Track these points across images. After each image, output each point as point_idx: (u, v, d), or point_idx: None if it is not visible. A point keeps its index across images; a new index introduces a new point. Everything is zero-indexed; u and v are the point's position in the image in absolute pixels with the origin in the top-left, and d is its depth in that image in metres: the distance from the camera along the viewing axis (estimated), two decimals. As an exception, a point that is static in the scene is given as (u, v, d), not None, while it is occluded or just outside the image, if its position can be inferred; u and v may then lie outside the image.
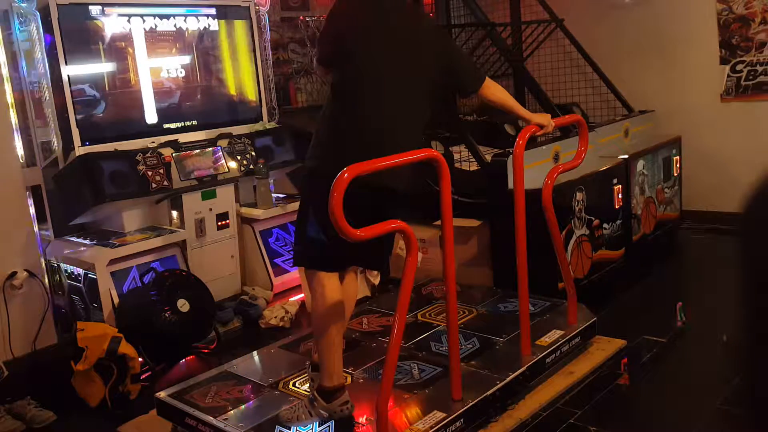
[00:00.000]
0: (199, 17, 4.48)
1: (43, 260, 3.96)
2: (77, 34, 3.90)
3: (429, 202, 3.03)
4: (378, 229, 2.56)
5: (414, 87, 2.70)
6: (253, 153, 4.50)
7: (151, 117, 4.24)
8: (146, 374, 3.50)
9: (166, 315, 3.58)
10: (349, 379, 2.96)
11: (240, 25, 4.77)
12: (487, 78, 2.96)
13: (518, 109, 3.06)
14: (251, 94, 4.85)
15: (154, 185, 3.97)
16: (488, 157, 4.06)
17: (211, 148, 4.34)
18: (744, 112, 5.13)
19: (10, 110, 3.82)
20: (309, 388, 2.83)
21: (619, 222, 4.29)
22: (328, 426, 2.60)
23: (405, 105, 2.67)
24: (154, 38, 4.25)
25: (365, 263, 3.17)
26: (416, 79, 2.70)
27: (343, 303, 2.70)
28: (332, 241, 2.43)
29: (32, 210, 3.91)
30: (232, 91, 4.79)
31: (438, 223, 2.71)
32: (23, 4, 3.81)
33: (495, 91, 2.97)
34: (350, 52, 2.64)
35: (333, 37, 2.71)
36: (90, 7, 3.95)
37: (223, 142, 4.43)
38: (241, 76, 4.81)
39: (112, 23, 4.03)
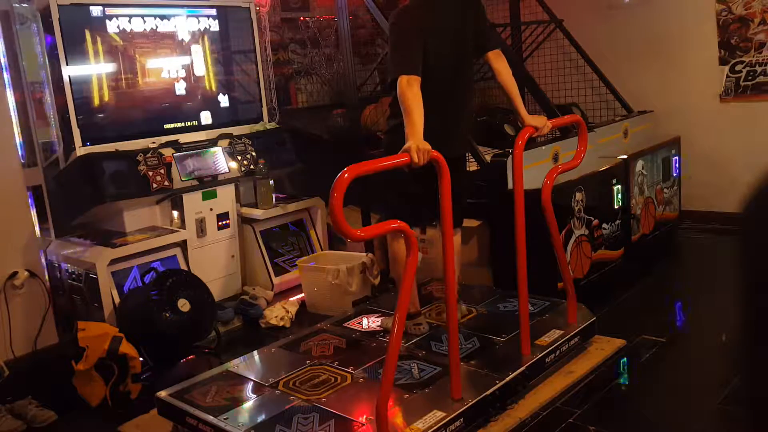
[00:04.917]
0: (199, 18, 4.49)
1: (43, 260, 3.97)
2: (78, 35, 3.90)
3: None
4: (378, 229, 2.59)
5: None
6: (254, 153, 4.51)
7: (151, 117, 4.25)
8: (147, 374, 3.50)
9: (167, 315, 3.59)
10: (348, 379, 2.98)
11: (240, 26, 4.77)
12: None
13: (517, 100, 3.16)
14: (252, 95, 4.86)
15: (154, 185, 3.98)
16: (488, 157, 4.06)
17: (211, 149, 4.35)
18: (743, 112, 5.13)
19: (11, 110, 3.83)
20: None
21: (618, 222, 4.30)
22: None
23: None
24: (154, 39, 4.25)
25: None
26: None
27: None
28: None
29: (33, 210, 3.92)
30: (233, 92, 4.79)
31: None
32: (24, 5, 3.82)
33: (505, 65, 3.18)
34: None
35: None
36: (91, 7, 3.95)
37: (224, 143, 4.44)
38: (242, 76, 4.82)
39: (112, 23, 4.04)
